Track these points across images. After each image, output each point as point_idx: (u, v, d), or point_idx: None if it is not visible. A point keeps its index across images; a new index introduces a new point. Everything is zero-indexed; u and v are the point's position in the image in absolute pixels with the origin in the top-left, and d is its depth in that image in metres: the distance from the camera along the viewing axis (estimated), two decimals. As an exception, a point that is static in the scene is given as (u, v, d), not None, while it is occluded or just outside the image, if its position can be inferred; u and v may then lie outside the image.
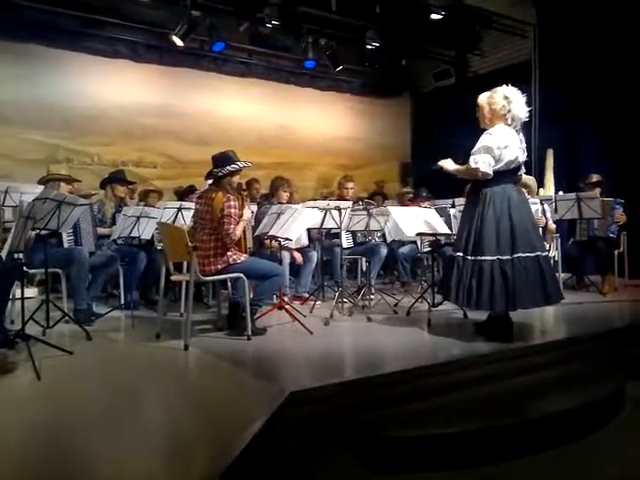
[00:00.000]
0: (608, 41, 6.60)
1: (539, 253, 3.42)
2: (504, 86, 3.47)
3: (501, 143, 3.36)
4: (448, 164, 3.64)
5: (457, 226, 5.17)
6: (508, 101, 3.41)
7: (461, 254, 3.50)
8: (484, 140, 3.40)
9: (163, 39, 7.05)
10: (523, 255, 3.36)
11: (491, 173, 3.39)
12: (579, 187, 5.90)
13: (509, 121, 3.43)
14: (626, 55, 6.49)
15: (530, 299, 3.38)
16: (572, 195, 5.48)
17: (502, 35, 7.93)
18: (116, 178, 5.17)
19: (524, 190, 5.33)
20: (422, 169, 8.92)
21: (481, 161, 3.37)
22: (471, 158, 3.43)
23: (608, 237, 5.70)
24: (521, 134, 3.52)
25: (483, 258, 3.38)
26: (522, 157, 3.49)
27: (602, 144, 6.94)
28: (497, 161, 3.39)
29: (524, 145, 3.52)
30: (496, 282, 3.34)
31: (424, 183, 6.93)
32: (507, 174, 3.45)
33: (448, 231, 4.63)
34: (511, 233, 3.37)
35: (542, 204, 5.29)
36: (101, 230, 4.78)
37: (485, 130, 3.48)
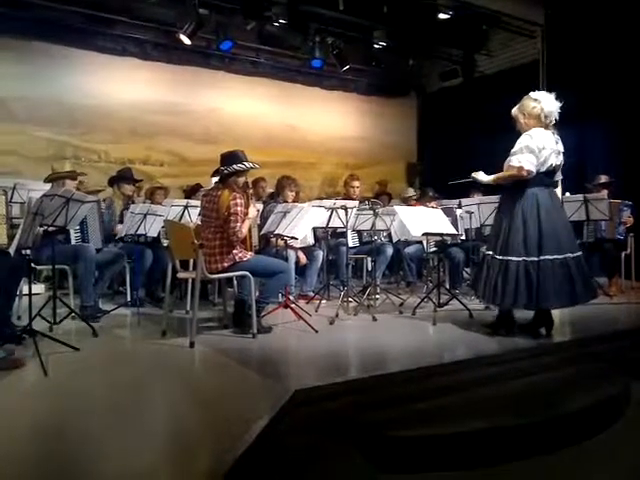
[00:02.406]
0: (616, 41, 6.56)
1: (568, 255, 3.48)
2: (530, 92, 3.60)
3: (540, 144, 3.45)
4: (482, 176, 3.72)
5: (462, 227, 5.21)
6: (537, 102, 3.53)
7: (491, 253, 3.61)
8: (524, 141, 3.48)
9: (171, 37, 7.06)
10: (550, 257, 3.44)
11: (534, 171, 3.46)
12: (586, 188, 5.87)
13: (544, 119, 3.50)
14: (635, 55, 6.45)
15: (555, 299, 3.48)
16: (579, 196, 5.45)
17: (510, 35, 7.89)
18: (122, 177, 5.20)
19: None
20: (428, 170, 8.99)
21: (525, 160, 3.44)
22: (513, 158, 3.49)
23: (615, 239, 5.67)
24: (557, 135, 3.58)
25: (510, 258, 3.49)
26: (556, 160, 3.53)
27: (610, 145, 6.90)
28: (538, 163, 3.46)
29: (560, 147, 3.57)
30: (520, 282, 3.44)
31: (430, 183, 6.92)
32: (540, 176, 3.51)
33: (454, 231, 4.62)
34: (538, 235, 3.46)
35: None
36: (118, 228, 4.78)
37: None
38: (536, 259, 3.44)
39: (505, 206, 3.65)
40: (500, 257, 3.54)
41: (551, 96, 3.55)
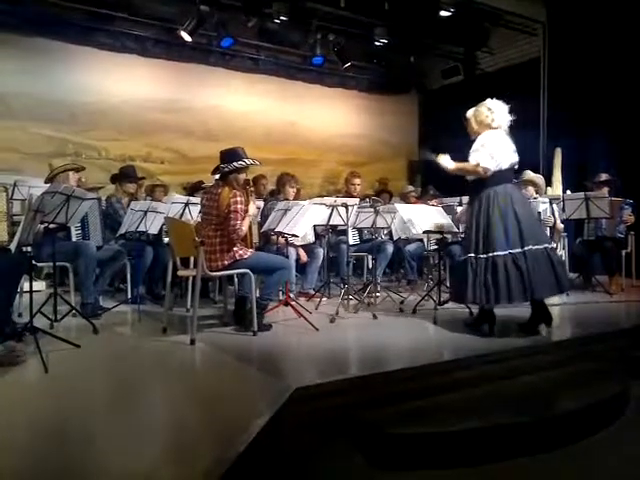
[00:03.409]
0: (618, 39, 6.55)
1: (546, 245, 3.58)
2: (487, 99, 3.68)
3: (497, 144, 3.54)
4: (446, 161, 3.69)
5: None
6: (491, 111, 3.62)
7: (472, 254, 3.59)
8: (481, 141, 3.58)
9: (171, 34, 7.05)
10: (533, 247, 3.50)
11: (492, 168, 3.52)
12: (586, 186, 5.87)
13: (495, 126, 3.61)
14: (636, 53, 6.43)
15: (545, 288, 3.52)
16: (580, 194, 5.45)
17: (511, 33, 7.87)
18: (124, 175, 5.19)
19: (533, 188, 5.36)
20: (429, 167, 8.96)
21: (482, 158, 3.51)
22: (470, 157, 3.56)
23: (616, 237, 5.66)
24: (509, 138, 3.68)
25: (495, 254, 3.50)
26: (515, 157, 3.64)
27: (611, 143, 6.89)
28: (495, 161, 3.53)
29: (514, 147, 3.68)
30: (511, 275, 3.46)
31: (431, 181, 6.91)
32: (504, 173, 3.60)
33: (455, 229, 4.62)
34: (518, 228, 3.51)
35: (551, 204, 5.28)
36: None
37: (474, 141, 3.64)
38: (520, 250, 3.48)
39: (477, 206, 3.61)
40: (484, 255, 3.52)
41: (505, 108, 3.63)
